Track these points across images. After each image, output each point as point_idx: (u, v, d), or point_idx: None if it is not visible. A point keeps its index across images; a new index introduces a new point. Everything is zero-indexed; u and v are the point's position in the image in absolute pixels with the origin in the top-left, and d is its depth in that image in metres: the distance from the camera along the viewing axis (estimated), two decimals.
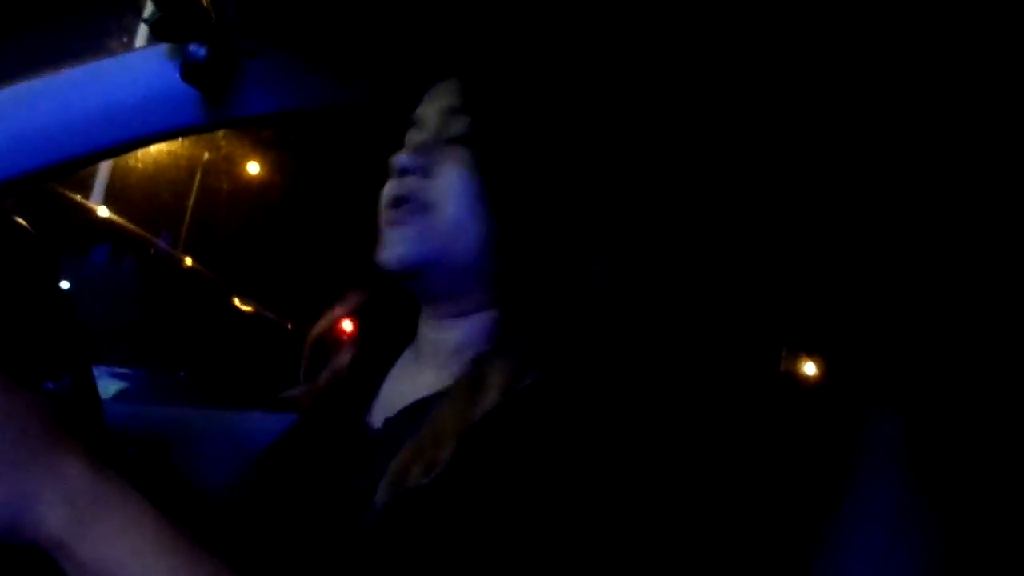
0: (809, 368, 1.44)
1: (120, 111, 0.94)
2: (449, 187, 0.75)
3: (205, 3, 0.92)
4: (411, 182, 0.75)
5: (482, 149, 0.75)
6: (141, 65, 0.96)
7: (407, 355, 0.86)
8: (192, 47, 0.93)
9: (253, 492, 0.81)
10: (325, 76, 1.00)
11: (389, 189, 0.77)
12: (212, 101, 0.97)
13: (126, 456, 1.04)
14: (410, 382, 0.80)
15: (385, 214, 0.77)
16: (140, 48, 0.97)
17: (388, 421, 0.76)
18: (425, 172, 0.75)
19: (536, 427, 0.63)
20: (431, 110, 0.80)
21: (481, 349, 0.72)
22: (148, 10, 0.92)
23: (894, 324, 1.16)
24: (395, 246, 0.75)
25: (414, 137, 0.81)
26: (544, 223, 0.76)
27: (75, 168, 0.95)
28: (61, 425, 0.57)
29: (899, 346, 1.15)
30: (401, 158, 0.76)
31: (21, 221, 0.82)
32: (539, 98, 0.81)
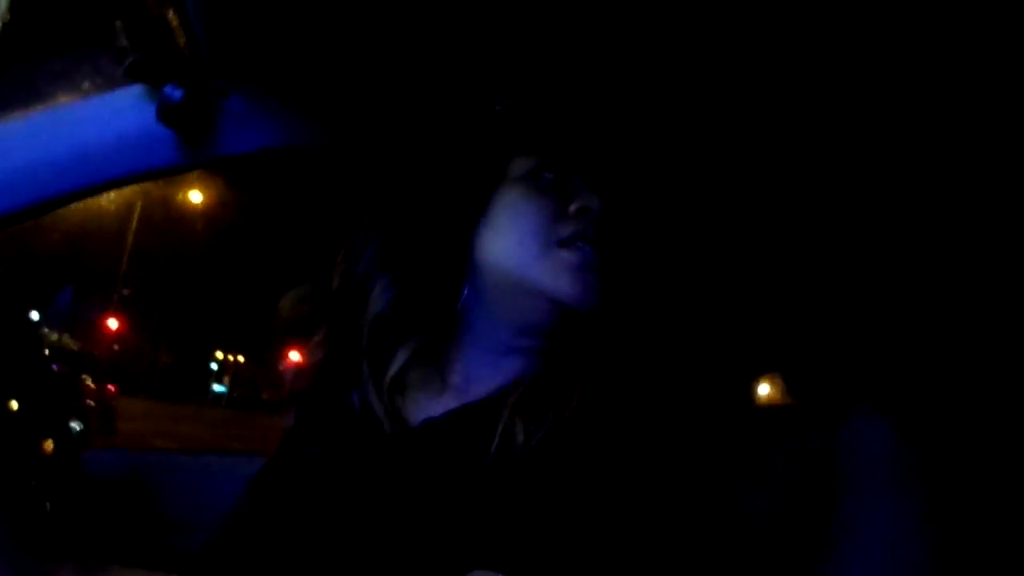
0: (763, 389, 1.45)
1: (95, 152, 0.94)
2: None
3: (180, 44, 0.93)
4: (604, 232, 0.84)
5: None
6: (116, 106, 0.96)
7: (421, 372, 0.88)
8: (168, 88, 0.93)
9: (278, 514, 0.81)
10: (300, 116, 1.01)
11: (587, 229, 0.83)
12: (188, 142, 0.97)
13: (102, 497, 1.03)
14: (434, 397, 0.85)
15: (578, 255, 0.82)
16: (115, 89, 0.97)
17: (429, 422, 0.81)
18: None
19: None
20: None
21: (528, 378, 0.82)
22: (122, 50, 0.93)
23: (869, 330, 1.18)
24: (593, 288, 0.82)
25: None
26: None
27: (49, 209, 0.94)
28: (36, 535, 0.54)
29: (877, 350, 1.16)
30: (606, 202, 0.84)
31: None
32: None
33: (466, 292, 0.85)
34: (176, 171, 0.99)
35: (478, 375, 0.85)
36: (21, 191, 0.92)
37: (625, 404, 0.77)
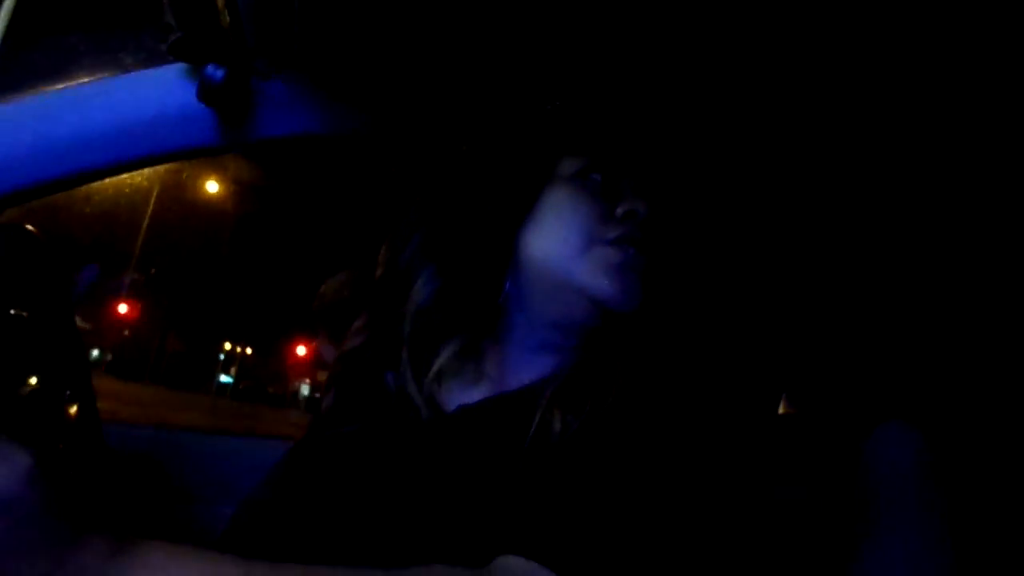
0: None
1: (135, 127, 0.95)
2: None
3: (224, 24, 0.94)
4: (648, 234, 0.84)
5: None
6: (158, 83, 0.97)
7: (459, 362, 0.89)
8: (210, 68, 0.94)
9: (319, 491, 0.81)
10: (341, 103, 1.02)
11: (633, 232, 0.83)
12: (227, 122, 0.98)
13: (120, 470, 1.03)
14: (469, 386, 0.86)
15: (621, 256, 0.82)
16: (157, 66, 0.98)
17: (464, 408, 0.82)
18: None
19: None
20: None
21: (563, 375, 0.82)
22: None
23: (898, 340, 1.18)
24: (634, 289, 0.82)
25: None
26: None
27: (87, 181, 0.95)
28: (68, 502, 0.51)
29: (906, 360, 1.16)
30: (653, 206, 0.84)
31: (32, 229, 0.83)
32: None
33: (508, 287, 0.85)
34: (213, 151, 0.99)
35: (514, 368, 0.86)
36: (60, 162, 0.92)
37: (660, 401, 0.77)
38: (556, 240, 0.83)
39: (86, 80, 0.97)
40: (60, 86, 0.96)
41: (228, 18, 0.93)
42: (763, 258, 1.21)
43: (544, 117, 0.89)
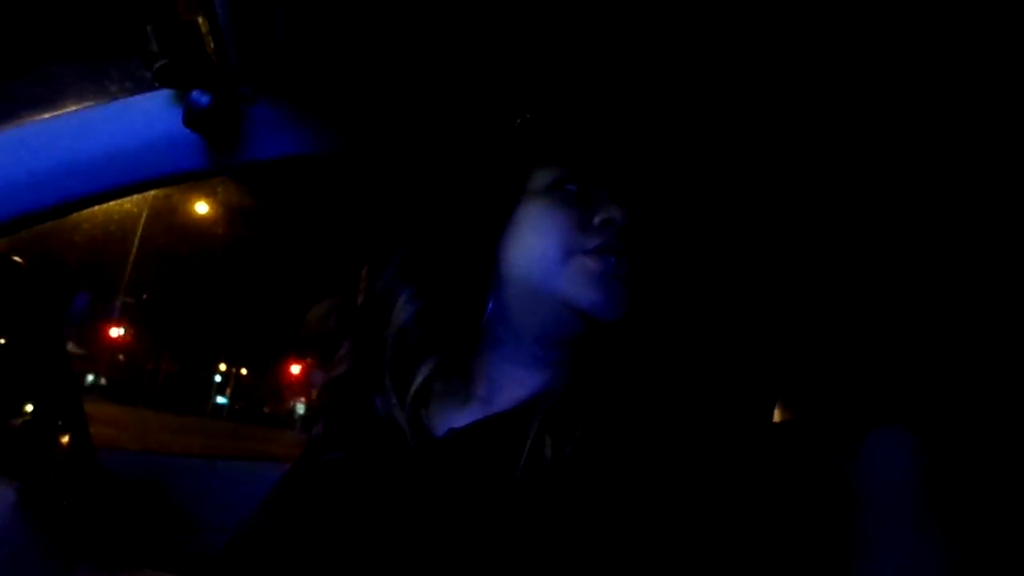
0: None
1: (122, 155, 0.95)
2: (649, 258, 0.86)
3: (209, 50, 0.94)
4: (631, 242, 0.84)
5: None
6: (144, 110, 0.98)
7: (446, 384, 0.88)
8: (195, 94, 0.94)
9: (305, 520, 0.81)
10: (325, 125, 1.02)
11: (612, 240, 0.83)
12: (214, 147, 0.98)
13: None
14: (466, 413, 0.85)
15: (602, 265, 0.82)
16: (143, 93, 0.98)
17: (454, 432, 0.81)
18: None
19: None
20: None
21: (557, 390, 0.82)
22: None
23: (893, 344, 1.18)
24: (617, 296, 0.82)
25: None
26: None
27: (75, 209, 0.95)
28: (58, 532, 0.52)
29: (900, 365, 1.16)
30: (631, 213, 0.84)
31: (18, 260, 0.83)
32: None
33: (491, 304, 0.85)
34: (201, 176, 0.99)
35: (503, 386, 0.85)
36: (47, 191, 0.93)
37: (651, 419, 0.77)
38: (535, 254, 0.82)
39: (72, 109, 0.97)
40: (46, 115, 0.96)
41: (212, 44, 0.94)
42: (751, 261, 1.21)
43: (516, 130, 0.89)
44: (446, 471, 0.77)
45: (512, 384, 0.85)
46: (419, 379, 0.84)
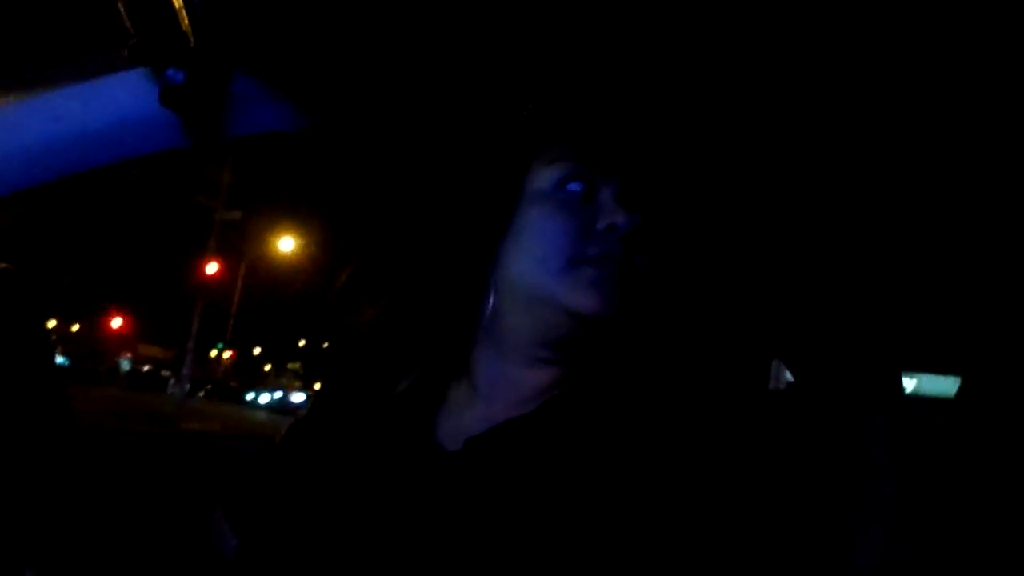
0: None
1: (97, 135, 0.93)
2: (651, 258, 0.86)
3: (183, 26, 0.92)
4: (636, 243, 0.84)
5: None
6: (119, 89, 0.95)
7: (457, 388, 0.89)
8: (170, 71, 0.92)
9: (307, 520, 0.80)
10: (306, 102, 1.00)
11: (615, 248, 0.82)
12: (191, 125, 0.96)
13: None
14: (469, 412, 0.85)
15: (603, 273, 0.81)
16: (117, 72, 0.96)
17: (470, 441, 0.79)
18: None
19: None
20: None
21: (561, 389, 0.83)
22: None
23: (874, 325, 1.17)
24: (614, 301, 0.81)
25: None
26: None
27: (49, 195, 0.93)
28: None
29: (880, 346, 1.16)
30: (635, 218, 0.82)
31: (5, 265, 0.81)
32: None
33: (490, 303, 0.84)
34: (178, 154, 0.98)
35: (503, 386, 0.85)
36: (20, 174, 0.91)
37: (651, 417, 0.77)
38: (536, 260, 0.81)
39: (45, 90, 0.95)
40: (18, 96, 0.94)
41: (187, 20, 0.92)
42: (751, 261, 1.20)
43: (519, 124, 0.87)
44: (469, 482, 0.76)
45: (510, 383, 0.84)
46: (419, 379, 0.85)
